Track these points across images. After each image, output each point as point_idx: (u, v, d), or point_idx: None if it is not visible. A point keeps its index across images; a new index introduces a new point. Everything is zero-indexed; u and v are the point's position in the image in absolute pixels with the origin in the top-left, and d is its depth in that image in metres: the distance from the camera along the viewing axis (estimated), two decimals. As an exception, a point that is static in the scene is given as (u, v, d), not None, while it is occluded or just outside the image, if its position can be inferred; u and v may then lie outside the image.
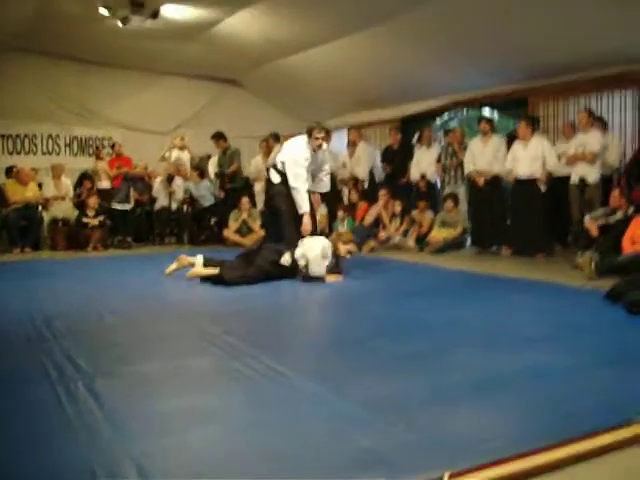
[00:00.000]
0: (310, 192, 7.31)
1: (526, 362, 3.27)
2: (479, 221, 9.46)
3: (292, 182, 7.07)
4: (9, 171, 10.89)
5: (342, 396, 2.75)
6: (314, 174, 7.44)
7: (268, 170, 7.65)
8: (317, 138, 7.22)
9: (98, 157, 12.02)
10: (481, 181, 9.21)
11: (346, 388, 2.87)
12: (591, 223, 7.51)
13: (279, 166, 7.25)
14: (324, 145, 7.44)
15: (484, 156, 9.27)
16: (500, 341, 3.80)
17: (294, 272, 6.39)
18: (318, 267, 6.33)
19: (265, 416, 2.55)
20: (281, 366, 3.18)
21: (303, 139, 7.29)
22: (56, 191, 10.74)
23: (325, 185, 7.69)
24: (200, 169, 11.55)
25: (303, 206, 7.14)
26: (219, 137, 11.37)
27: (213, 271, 6.18)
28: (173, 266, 6.60)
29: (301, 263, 6.33)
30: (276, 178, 7.30)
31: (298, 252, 6.36)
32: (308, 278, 6.36)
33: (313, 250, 6.34)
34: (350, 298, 5.60)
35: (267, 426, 2.44)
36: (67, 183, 11.01)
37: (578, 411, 2.55)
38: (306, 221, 7.04)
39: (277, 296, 5.72)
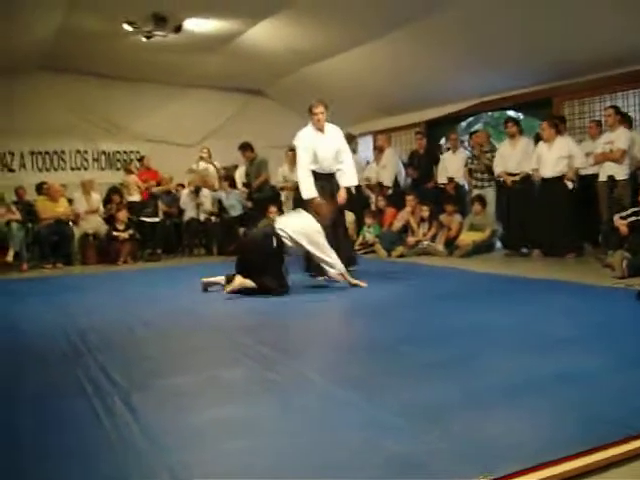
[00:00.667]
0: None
1: (557, 365, 3.25)
2: (510, 223, 9.46)
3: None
4: (40, 188, 11.06)
5: (374, 403, 2.76)
6: (330, 162, 7.29)
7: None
8: (315, 113, 7.18)
9: (128, 170, 12.16)
10: (509, 180, 9.18)
11: (378, 395, 2.88)
12: (621, 222, 7.45)
13: None
14: (324, 122, 7.26)
15: (513, 157, 9.26)
16: (531, 344, 3.79)
17: (282, 252, 6.36)
18: (333, 268, 6.37)
19: (299, 425, 2.57)
20: (313, 374, 3.20)
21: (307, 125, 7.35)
22: (87, 206, 10.86)
23: (349, 178, 7.41)
24: (231, 179, 11.61)
25: (304, 192, 7.13)
26: (246, 148, 11.40)
27: (250, 283, 6.15)
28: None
29: (288, 244, 6.29)
30: None
31: (281, 232, 6.31)
32: (328, 278, 6.47)
33: (310, 241, 6.32)
34: (380, 304, 5.60)
35: (301, 435, 2.46)
36: (97, 198, 11.13)
37: (610, 415, 2.52)
38: (317, 202, 6.91)
39: (306, 305, 5.73)
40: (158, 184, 11.85)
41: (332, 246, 6.88)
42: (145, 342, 4.33)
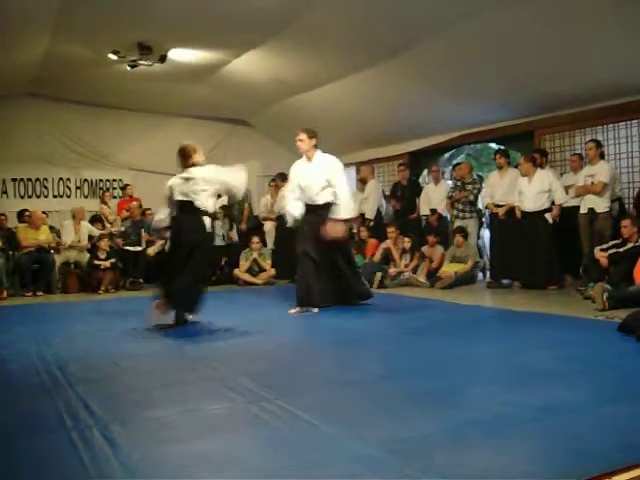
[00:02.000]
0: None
1: (541, 399, 3.25)
2: (495, 254, 9.55)
3: None
4: (21, 215, 10.99)
5: (359, 438, 2.74)
6: (314, 192, 7.11)
7: None
8: (296, 141, 7.17)
9: (103, 201, 12.13)
10: (500, 212, 9.25)
11: (362, 430, 2.86)
12: (601, 254, 7.51)
13: None
14: (303, 147, 7.18)
15: (500, 188, 9.37)
16: (514, 377, 3.80)
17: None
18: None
19: (282, 461, 2.55)
20: (296, 408, 3.17)
21: None
22: (75, 236, 10.76)
23: (339, 210, 7.02)
24: (227, 209, 11.50)
25: (287, 220, 7.24)
26: (229, 177, 11.40)
27: None
28: None
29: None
30: None
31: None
32: None
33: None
34: (362, 337, 5.59)
35: (284, 471, 2.43)
36: (87, 226, 11.02)
37: (594, 450, 2.53)
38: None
39: (286, 337, 5.72)
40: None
41: (336, 278, 6.89)
42: (127, 373, 4.29)
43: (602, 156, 8.54)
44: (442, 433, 2.79)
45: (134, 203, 11.66)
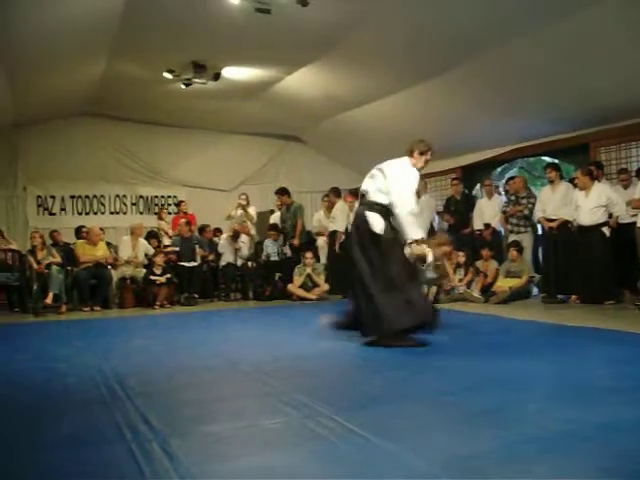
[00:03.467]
0: None
1: (599, 416, 3.19)
2: (548, 269, 9.38)
3: None
4: (78, 231, 11.23)
5: (416, 455, 2.71)
6: None
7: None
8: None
9: (160, 217, 12.32)
10: (547, 226, 9.15)
11: (420, 447, 2.83)
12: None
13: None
14: None
15: (551, 202, 9.23)
16: (573, 394, 3.74)
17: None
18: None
19: (338, 476, 2.54)
20: (353, 424, 3.16)
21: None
22: (132, 252, 10.92)
23: None
24: (277, 227, 11.58)
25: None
26: (283, 192, 11.56)
27: None
28: None
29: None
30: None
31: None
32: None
33: None
34: (417, 352, 5.55)
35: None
36: (144, 243, 11.19)
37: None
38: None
39: (344, 353, 5.70)
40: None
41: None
42: (183, 388, 4.33)
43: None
44: (499, 450, 2.75)
45: (181, 220, 11.82)
